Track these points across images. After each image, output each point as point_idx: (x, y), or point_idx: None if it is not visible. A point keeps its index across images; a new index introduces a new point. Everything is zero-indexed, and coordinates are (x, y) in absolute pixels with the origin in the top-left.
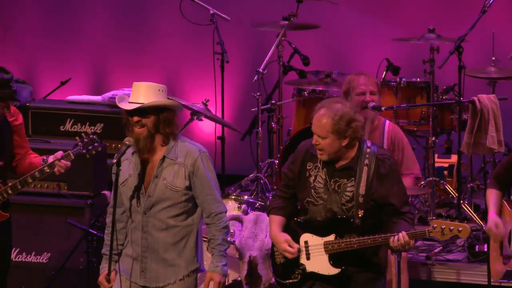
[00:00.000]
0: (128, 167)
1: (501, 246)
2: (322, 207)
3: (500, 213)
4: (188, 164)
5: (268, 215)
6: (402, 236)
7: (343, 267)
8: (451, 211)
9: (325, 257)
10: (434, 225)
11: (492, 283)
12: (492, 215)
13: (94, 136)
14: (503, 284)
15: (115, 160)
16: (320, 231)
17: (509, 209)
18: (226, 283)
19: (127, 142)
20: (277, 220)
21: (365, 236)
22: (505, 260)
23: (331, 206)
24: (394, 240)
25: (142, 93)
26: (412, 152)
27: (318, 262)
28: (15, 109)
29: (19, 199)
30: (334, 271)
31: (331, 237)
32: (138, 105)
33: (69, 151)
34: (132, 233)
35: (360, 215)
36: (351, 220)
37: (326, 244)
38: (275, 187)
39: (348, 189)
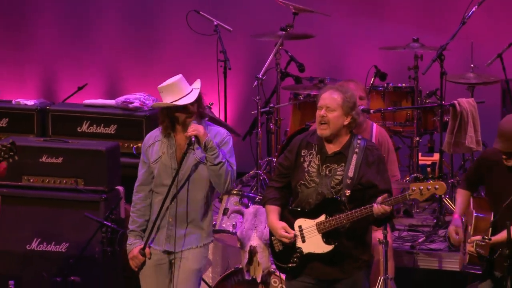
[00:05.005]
0: (159, 147)
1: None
2: (314, 189)
3: (464, 212)
4: (217, 140)
5: (264, 206)
6: (383, 206)
7: (336, 244)
8: (433, 204)
9: (319, 237)
10: (413, 188)
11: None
12: (456, 218)
13: (10, 146)
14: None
15: (187, 150)
16: (311, 215)
17: (471, 208)
18: (228, 271)
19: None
20: (274, 209)
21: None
22: (463, 252)
23: (321, 189)
24: (376, 208)
25: (184, 86)
26: (395, 157)
27: (313, 243)
28: None
29: (40, 194)
30: (328, 248)
31: (322, 218)
32: (195, 94)
33: None
34: (162, 205)
35: (347, 194)
36: (339, 199)
37: (318, 225)
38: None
39: (338, 173)
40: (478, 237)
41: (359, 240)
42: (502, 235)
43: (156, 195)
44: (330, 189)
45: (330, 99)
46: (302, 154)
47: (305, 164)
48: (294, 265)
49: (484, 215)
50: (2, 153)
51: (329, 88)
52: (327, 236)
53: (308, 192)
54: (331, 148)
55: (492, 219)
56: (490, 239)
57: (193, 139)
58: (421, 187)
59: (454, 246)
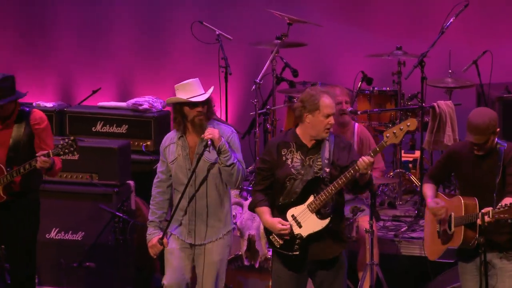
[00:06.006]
0: (175, 149)
1: (438, 229)
2: (300, 180)
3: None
4: (223, 138)
5: (254, 209)
6: (366, 157)
7: (331, 216)
8: (415, 197)
9: (313, 216)
10: (387, 135)
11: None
12: (430, 199)
13: (71, 142)
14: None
15: (203, 152)
16: (300, 201)
17: (447, 198)
18: (229, 258)
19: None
20: (266, 210)
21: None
22: (444, 240)
23: (306, 177)
24: (361, 162)
25: (198, 87)
26: None
27: (310, 224)
28: (41, 116)
29: (58, 188)
30: (325, 222)
31: (311, 198)
32: (207, 95)
33: (50, 151)
34: (181, 202)
35: (327, 171)
36: (321, 176)
37: (309, 206)
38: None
39: (318, 160)
40: (489, 208)
41: (339, 223)
42: (509, 200)
43: (177, 192)
44: (313, 175)
45: (334, 108)
46: (283, 153)
47: (289, 161)
48: (297, 252)
49: (470, 199)
50: (64, 148)
51: (328, 95)
52: (320, 213)
53: (295, 184)
54: (309, 142)
55: (477, 201)
56: (511, 203)
57: (209, 142)
58: (394, 131)
59: (438, 218)
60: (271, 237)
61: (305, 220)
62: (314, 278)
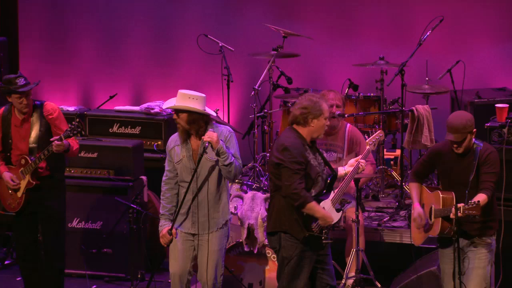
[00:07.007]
0: (181, 151)
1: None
2: (320, 177)
3: (421, 200)
4: (221, 139)
5: (306, 204)
6: (362, 161)
7: (342, 209)
8: (396, 190)
9: (333, 210)
10: (370, 142)
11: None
12: (417, 206)
13: (77, 124)
14: (423, 246)
15: (202, 153)
16: (326, 196)
17: (429, 192)
18: (231, 244)
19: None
20: (317, 204)
21: (342, 181)
22: (426, 229)
23: (322, 174)
24: (361, 164)
25: (177, 99)
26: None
27: (333, 216)
28: (53, 107)
29: (79, 182)
30: (339, 215)
31: (332, 194)
32: (167, 107)
33: (61, 135)
34: (186, 197)
35: (334, 167)
36: (336, 173)
37: (332, 201)
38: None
39: (318, 157)
40: (461, 204)
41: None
42: (480, 197)
43: (182, 188)
44: (322, 171)
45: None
46: (307, 155)
47: (312, 161)
48: (329, 240)
49: (447, 194)
50: (73, 130)
51: (325, 100)
52: (337, 206)
53: (319, 179)
54: (309, 143)
55: (454, 195)
56: (479, 201)
57: (206, 144)
58: (370, 143)
59: (418, 228)
60: (313, 225)
61: (331, 213)
62: (318, 257)
